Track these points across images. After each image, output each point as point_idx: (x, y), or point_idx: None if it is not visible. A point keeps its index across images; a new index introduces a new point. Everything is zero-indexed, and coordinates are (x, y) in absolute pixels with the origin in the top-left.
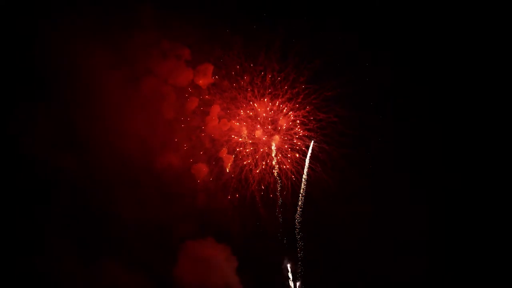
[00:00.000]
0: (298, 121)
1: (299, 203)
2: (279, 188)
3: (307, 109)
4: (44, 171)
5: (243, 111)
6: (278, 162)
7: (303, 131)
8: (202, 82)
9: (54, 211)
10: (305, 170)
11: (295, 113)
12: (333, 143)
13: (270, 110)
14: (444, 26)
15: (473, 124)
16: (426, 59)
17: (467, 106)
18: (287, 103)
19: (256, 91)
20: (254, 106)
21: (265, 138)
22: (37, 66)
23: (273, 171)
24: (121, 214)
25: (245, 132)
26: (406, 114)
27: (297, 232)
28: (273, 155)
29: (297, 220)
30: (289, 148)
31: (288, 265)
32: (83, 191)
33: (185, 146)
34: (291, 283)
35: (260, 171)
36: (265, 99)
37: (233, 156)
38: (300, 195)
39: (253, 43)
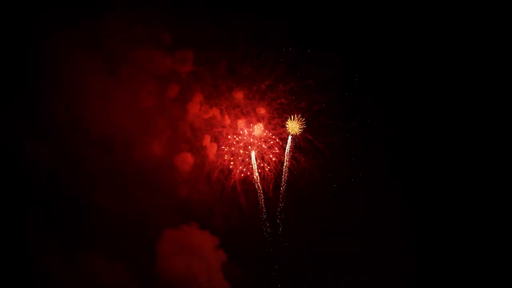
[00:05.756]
0: (280, 110)
1: (281, 192)
2: (262, 178)
3: (288, 97)
4: (19, 162)
5: (225, 99)
6: (260, 151)
7: (285, 120)
8: (182, 69)
9: (31, 203)
10: (286, 158)
11: (277, 101)
12: (315, 132)
13: (252, 97)
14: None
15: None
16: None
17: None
18: (268, 91)
19: (237, 78)
20: (236, 93)
21: (247, 126)
22: (8, 53)
23: (256, 160)
24: (100, 205)
25: (227, 120)
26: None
27: (279, 222)
28: (255, 147)
29: (280, 210)
30: (272, 137)
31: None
32: (61, 182)
33: (166, 135)
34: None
35: (243, 160)
36: (246, 86)
37: (216, 145)
38: (282, 184)
39: (230, 28)
